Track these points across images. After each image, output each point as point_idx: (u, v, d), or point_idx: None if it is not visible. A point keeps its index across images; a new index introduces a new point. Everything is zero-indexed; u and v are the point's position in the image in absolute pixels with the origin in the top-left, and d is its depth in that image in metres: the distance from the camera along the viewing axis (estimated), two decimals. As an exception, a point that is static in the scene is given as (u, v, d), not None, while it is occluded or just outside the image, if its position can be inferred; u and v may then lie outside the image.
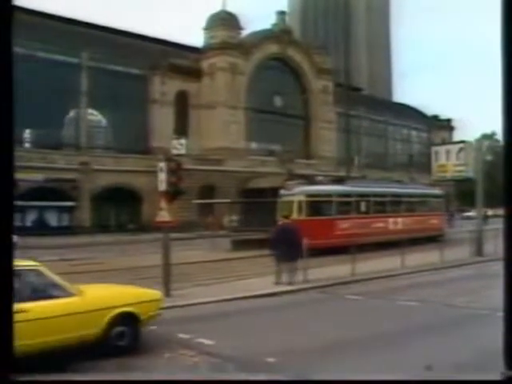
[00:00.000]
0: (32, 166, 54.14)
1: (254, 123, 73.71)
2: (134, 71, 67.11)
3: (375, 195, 38.96)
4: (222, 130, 70.39)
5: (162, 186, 18.11)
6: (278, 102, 79.36)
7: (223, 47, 72.50)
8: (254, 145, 75.97)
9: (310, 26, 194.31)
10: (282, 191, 36.38)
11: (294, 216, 31.81)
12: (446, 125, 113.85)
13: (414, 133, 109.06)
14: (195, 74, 72.14)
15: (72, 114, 64.12)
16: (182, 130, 66.90)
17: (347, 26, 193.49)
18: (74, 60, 62.17)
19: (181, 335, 12.36)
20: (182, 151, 21.75)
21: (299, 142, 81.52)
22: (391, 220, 38.95)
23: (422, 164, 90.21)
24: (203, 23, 76.18)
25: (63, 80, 59.10)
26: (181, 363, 10.22)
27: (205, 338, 11.83)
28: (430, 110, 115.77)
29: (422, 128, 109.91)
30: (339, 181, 41.23)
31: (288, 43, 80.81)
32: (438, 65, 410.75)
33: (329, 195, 35.84)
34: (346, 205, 36.79)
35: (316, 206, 35.16)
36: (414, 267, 24.09)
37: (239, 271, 24.76)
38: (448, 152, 34.50)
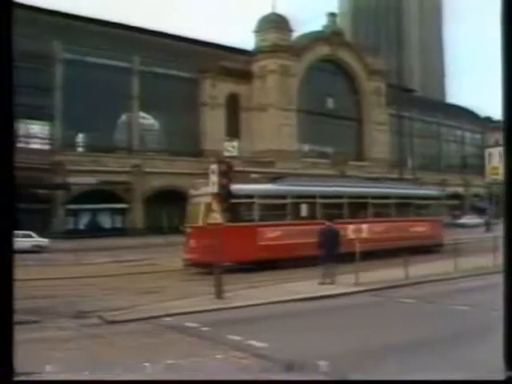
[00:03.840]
0: (85, 169, 54.96)
1: (306, 125, 73.45)
2: (185, 74, 67.58)
3: (325, 196, 31.17)
4: (274, 132, 70.33)
5: (214, 188, 18.07)
6: (330, 103, 79.01)
7: (274, 49, 72.52)
8: (306, 147, 75.75)
9: (362, 26, 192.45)
10: (191, 191, 29.98)
11: (200, 222, 25.52)
12: (500, 126, 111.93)
13: (467, 134, 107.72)
14: (246, 76, 72.32)
15: (124, 117, 64.88)
16: (233, 132, 67.25)
17: (399, 26, 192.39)
18: (126, 64, 62.98)
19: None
20: (234, 153, 21.72)
21: (351, 143, 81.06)
22: (351, 227, 30.76)
23: (475, 166, 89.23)
24: (254, 26, 76.42)
25: (115, 84, 59.94)
26: None
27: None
28: (483, 111, 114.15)
29: (476, 129, 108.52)
30: (277, 178, 32.57)
31: (339, 45, 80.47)
32: (491, 65, 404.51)
33: (249, 196, 28.12)
34: (278, 208, 29.67)
35: (231, 209, 25.65)
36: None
37: (287, 273, 24.25)
38: (502, 154, 33.64)
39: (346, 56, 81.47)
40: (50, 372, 8.11)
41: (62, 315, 15.81)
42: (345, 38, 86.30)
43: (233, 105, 71.34)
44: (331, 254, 20.61)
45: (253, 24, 76.68)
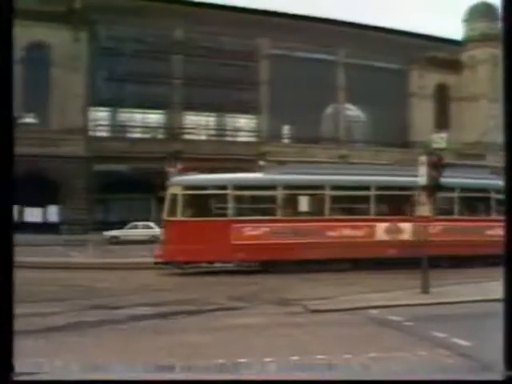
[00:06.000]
0: (291, 160, 55.97)
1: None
2: (391, 66, 66.81)
3: (338, 187, 25.51)
4: (484, 124, 67.92)
5: (423, 180, 17.63)
6: (545, 94, 75.10)
7: (483, 39, 70.08)
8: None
9: None
10: (168, 182, 25.71)
11: (165, 216, 24.52)
12: None
13: None
14: (455, 66, 70.48)
15: (330, 109, 65.35)
16: (441, 123, 65.73)
17: None
18: (331, 57, 63.55)
19: None
20: (443, 145, 20.98)
21: None
22: (382, 225, 25.16)
23: None
24: (462, 15, 74.51)
25: (320, 77, 60.48)
26: None
27: None
28: None
29: None
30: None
31: (555, 32, 76.29)
32: None
33: (222, 187, 24.63)
34: (262, 201, 25.30)
35: (200, 202, 24.87)
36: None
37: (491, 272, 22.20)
38: None
39: None
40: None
41: (265, 302, 16.17)
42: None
43: (441, 95, 69.89)
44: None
45: (461, 14, 74.88)
